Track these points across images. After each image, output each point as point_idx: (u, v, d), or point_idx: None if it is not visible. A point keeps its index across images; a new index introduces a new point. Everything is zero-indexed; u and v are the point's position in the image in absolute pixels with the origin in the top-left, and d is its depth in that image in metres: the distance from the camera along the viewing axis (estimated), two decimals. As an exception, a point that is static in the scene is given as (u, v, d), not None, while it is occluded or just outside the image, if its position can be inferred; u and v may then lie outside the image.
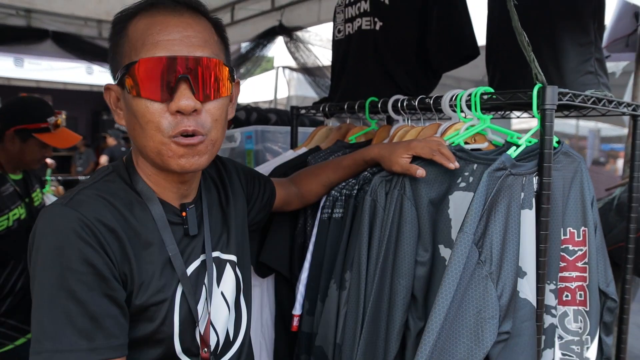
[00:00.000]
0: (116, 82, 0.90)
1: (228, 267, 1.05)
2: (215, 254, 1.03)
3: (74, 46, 4.33)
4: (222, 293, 1.03)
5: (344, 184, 1.38)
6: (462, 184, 1.18)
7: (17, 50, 5.74)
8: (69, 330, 0.78)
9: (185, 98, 0.84)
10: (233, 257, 1.07)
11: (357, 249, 1.22)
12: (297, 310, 1.37)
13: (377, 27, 1.68)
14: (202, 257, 0.99)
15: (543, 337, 1.25)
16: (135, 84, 0.84)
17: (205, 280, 0.99)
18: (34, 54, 6.32)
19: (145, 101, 0.85)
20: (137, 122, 0.87)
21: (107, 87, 0.93)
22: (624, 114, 1.49)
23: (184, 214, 0.97)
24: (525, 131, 1.27)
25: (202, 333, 0.95)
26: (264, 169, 1.66)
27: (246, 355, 1.11)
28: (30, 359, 0.78)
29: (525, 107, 1.45)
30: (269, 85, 6.44)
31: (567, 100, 1.19)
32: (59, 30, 4.25)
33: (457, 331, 1.04)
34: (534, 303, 1.15)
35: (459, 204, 1.17)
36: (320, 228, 1.36)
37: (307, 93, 5.39)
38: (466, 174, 1.18)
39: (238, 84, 1.02)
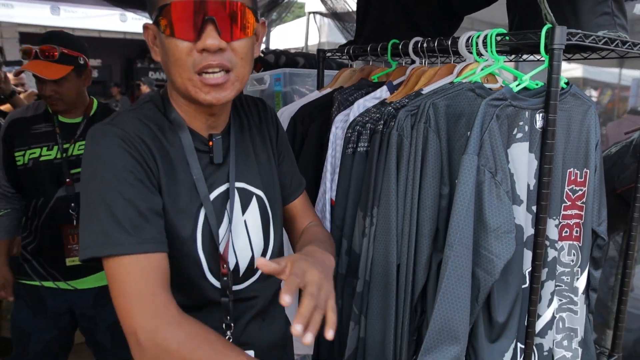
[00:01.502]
0: (152, 21, 0.98)
1: (254, 200, 1.13)
2: (241, 184, 1.11)
3: (109, -8, 4.41)
4: (245, 222, 1.11)
5: (367, 117, 1.41)
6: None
7: (54, -2, 5.85)
8: (117, 227, 0.88)
9: (211, 38, 0.92)
10: (261, 192, 1.14)
11: (386, 184, 1.27)
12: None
13: (400, -30, 1.72)
14: (226, 185, 1.08)
15: (545, 270, 1.34)
16: (168, 24, 0.92)
17: (227, 207, 1.07)
18: (70, 2, 6.43)
19: (176, 40, 0.93)
20: (169, 59, 0.96)
21: (146, 26, 1.02)
22: (640, 55, 1.52)
23: (210, 143, 1.06)
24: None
25: (221, 252, 1.05)
26: (291, 108, 1.76)
27: (270, 282, 1.16)
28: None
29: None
30: (301, 32, 6.40)
31: (576, 40, 1.23)
32: (94, -23, 4.34)
33: (476, 249, 1.15)
34: (526, 229, 1.24)
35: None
36: (344, 161, 1.44)
37: (338, 39, 5.35)
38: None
39: (264, 24, 1.09)
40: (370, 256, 1.31)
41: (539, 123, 1.24)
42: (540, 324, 1.36)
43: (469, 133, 1.16)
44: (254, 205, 1.13)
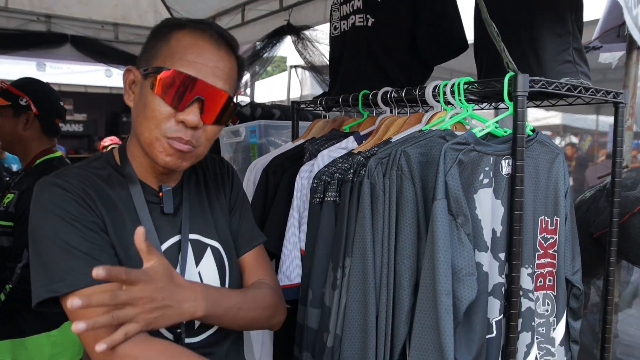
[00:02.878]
0: (142, 70, 1.01)
1: (209, 251, 1.13)
2: (195, 236, 1.11)
3: (92, 49, 4.47)
4: (199, 273, 1.10)
5: (334, 168, 1.41)
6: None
7: (38, 55, 5.91)
8: (70, 268, 0.91)
9: (193, 115, 0.98)
10: (216, 243, 1.14)
11: (360, 234, 1.24)
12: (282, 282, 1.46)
13: (370, 24, 1.76)
14: (178, 237, 1.08)
15: (520, 320, 1.31)
16: (161, 85, 0.97)
17: (179, 258, 1.07)
18: (54, 58, 6.52)
19: (161, 101, 0.98)
20: (145, 112, 1.00)
21: (130, 69, 1.05)
22: (606, 101, 1.55)
23: (160, 194, 1.08)
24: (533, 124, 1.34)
25: None
26: (264, 159, 1.76)
27: (233, 338, 1.16)
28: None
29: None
30: (283, 85, 6.53)
31: (539, 87, 1.25)
32: (77, 34, 4.41)
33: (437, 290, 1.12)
34: (491, 277, 1.23)
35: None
36: (311, 211, 1.43)
37: (319, 92, 5.46)
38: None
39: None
40: (342, 309, 1.26)
41: (504, 169, 1.24)
42: None
43: (435, 178, 1.16)
44: (208, 256, 1.13)
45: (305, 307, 1.37)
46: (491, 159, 1.22)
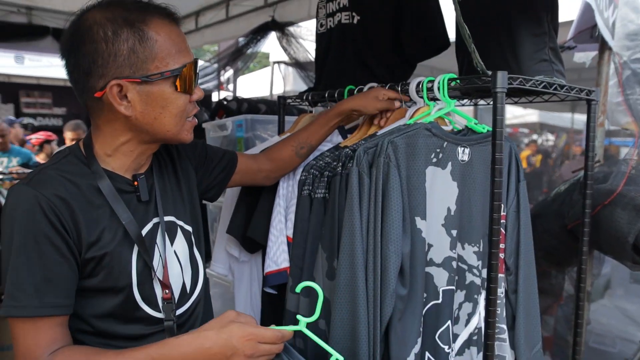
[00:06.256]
0: (141, 77, 1.03)
1: (179, 231, 1.22)
2: (169, 218, 1.20)
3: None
4: (174, 252, 1.19)
5: (322, 163, 1.46)
6: (434, 160, 1.34)
7: (18, 47, 5.87)
8: (24, 288, 0.98)
9: (198, 90, 1.12)
10: (183, 223, 1.24)
11: (348, 220, 1.28)
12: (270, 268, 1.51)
13: (355, 21, 1.81)
14: (156, 219, 1.16)
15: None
16: (180, 82, 1.06)
17: (158, 240, 1.15)
18: (34, 51, 6.44)
19: (181, 94, 1.08)
20: (168, 111, 1.08)
21: (118, 84, 1.03)
22: (579, 98, 1.63)
23: (135, 183, 1.14)
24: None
25: (161, 279, 1.13)
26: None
27: (203, 305, 1.26)
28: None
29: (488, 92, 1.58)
30: (266, 80, 6.56)
31: (517, 84, 1.32)
32: (59, 27, 4.38)
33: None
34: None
35: (431, 177, 1.33)
36: (300, 203, 1.47)
37: (301, 87, 5.49)
38: (437, 150, 1.34)
39: None
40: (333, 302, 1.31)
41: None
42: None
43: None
44: (179, 236, 1.22)
45: (296, 295, 1.42)
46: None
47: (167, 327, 1.13)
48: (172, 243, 1.19)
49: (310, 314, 1.36)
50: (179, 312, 1.17)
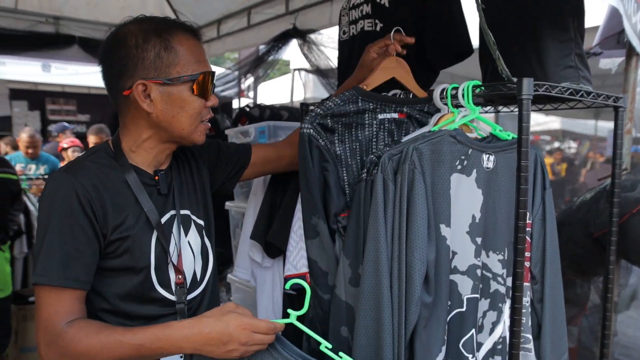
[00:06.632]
0: (163, 79, 1.19)
1: (193, 225, 1.36)
2: (185, 212, 1.35)
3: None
4: (188, 242, 1.33)
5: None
6: (459, 167, 1.33)
7: (45, 56, 6.00)
8: (52, 261, 1.12)
9: (213, 98, 1.28)
10: (196, 218, 1.38)
11: (373, 226, 1.28)
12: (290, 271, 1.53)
13: (378, 29, 1.82)
14: (172, 212, 1.31)
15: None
16: (197, 87, 1.22)
17: (174, 230, 1.29)
18: (61, 59, 6.58)
19: (198, 98, 1.23)
20: (185, 111, 1.23)
21: (143, 83, 1.20)
22: (607, 105, 1.61)
23: (157, 177, 1.29)
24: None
25: (175, 264, 1.27)
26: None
27: (210, 293, 1.39)
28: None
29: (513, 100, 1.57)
30: (286, 88, 6.60)
31: (543, 91, 1.31)
32: (85, 36, 4.48)
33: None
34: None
35: (456, 184, 1.32)
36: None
37: (322, 95, 5.52)
38: (462, 157, 1.33)
39: None
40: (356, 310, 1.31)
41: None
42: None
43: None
44: (193, 229, 1.36)
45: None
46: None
47: (179, 310, 1.26)
48: (186, 234, 1.33)
49: (336, 319, 1.38)
50: (189, 297, 1.30)
